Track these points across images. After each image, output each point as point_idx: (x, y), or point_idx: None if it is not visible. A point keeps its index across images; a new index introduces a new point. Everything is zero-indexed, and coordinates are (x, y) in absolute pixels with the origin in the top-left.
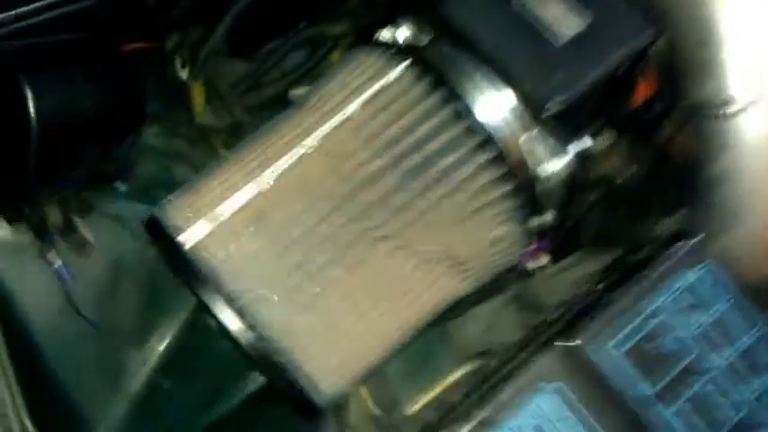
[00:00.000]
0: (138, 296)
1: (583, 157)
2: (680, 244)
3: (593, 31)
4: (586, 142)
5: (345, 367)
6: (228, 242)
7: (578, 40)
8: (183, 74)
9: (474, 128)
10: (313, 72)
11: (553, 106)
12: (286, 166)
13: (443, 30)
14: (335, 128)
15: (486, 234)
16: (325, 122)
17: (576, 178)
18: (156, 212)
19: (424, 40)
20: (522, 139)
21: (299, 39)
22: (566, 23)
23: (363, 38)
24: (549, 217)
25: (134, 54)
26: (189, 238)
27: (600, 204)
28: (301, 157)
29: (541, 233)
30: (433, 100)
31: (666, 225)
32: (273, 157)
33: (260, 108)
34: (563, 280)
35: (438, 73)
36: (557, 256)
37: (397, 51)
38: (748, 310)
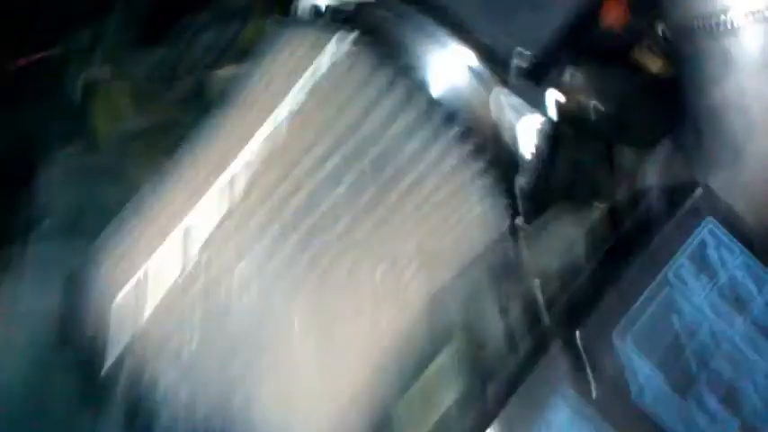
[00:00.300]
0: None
1: (558, 108)
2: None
3: None
4: (560, 93)
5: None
6: (163, 311)
7: None
8: (95, 75)
9: (436, 100)
10: (240, 46)
11: (520, 61)
12: (222, 189)
13: None
14: (271, 133)
15: (461, 219)
16: (257, 129)
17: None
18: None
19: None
20: (492, 102)
21: (219, 9)
22: None
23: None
24: (524, 181)
25: (28, 68)
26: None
27: (571, 146)
28: (239, 175)
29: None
30: (382, 76)
31: (650, 167)
32: (206, 181)
33: (187, 98)
34: (542, 244)
35: (381, 41)
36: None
37: (328, 21)
38: (755, 268)
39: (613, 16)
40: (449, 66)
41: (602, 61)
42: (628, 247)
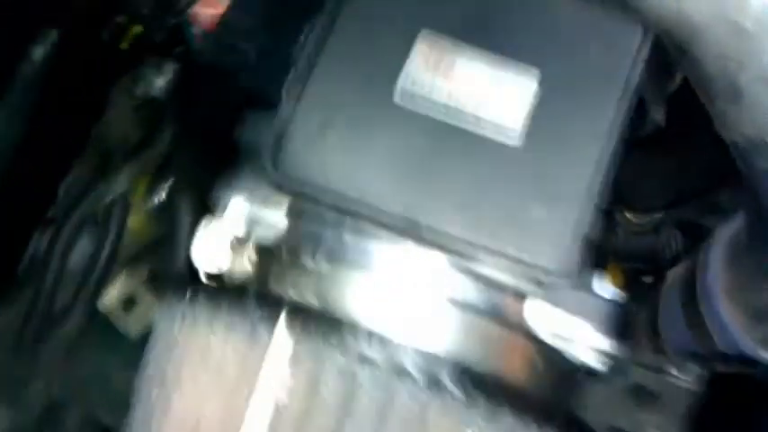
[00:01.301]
0: None
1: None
2: None
3: (560, 82)
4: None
5: None
6: None
7: (545, 116)
8: None
9: (461, 381)
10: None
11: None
12: None
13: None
14: None
15: None
16: None
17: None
18: None
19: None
20: (532, 324)
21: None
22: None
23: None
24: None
25: None
26: None
27: None
28: None
29: None
30: (367, 378)
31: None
32: None
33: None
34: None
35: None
36: None
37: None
38: None
39: None
40: (459, 308)
41: None
42: None
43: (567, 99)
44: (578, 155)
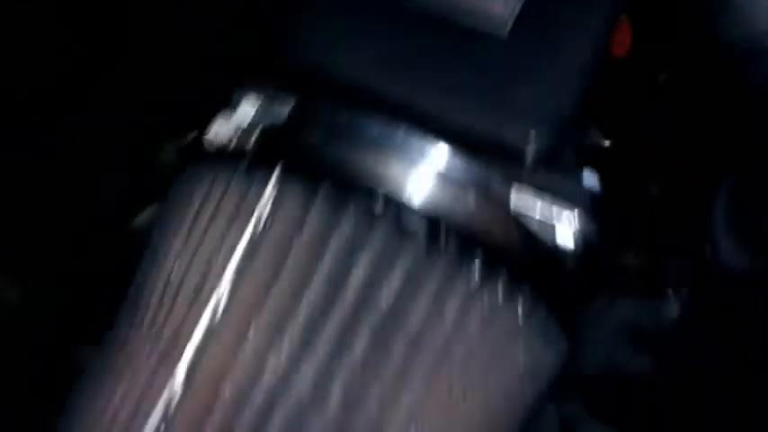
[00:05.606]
0: None
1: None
2: None
3: None
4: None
5: None
6: None
7: (530, 19)
8: None
9: (433, 231)
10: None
11: (539, 147)
12: None
13: (307, 88)
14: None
15: (510, 367)
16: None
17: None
18: None
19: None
20: (516, 206)
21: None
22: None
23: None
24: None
25: None
26: None
27: None
28: None
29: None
30: (348, 219)
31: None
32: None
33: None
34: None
35: (331, 168)
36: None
37: (254, 156)
38: None
39: (622, 44)
40: (436, 182)
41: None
42: None
43: None
44: (566, 43)
